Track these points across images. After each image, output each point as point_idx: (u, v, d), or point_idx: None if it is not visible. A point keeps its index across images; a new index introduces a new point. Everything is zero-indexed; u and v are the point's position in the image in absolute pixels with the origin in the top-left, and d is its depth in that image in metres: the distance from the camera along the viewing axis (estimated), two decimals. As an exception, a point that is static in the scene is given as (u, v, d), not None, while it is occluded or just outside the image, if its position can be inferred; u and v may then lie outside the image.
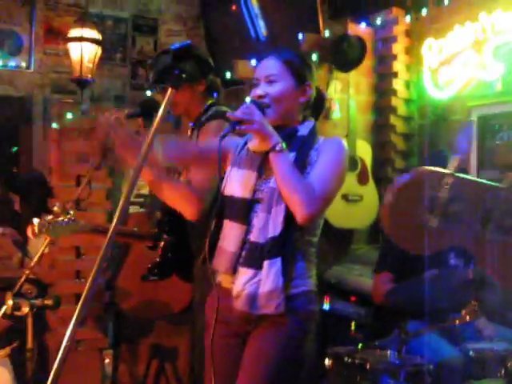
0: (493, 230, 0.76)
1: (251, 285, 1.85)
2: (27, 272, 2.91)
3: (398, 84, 4.64)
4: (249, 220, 1.90)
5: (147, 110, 2.61)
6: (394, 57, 4.63)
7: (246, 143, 2.05)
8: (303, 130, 1.97)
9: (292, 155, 1.88)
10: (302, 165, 1.88)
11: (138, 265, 3.90)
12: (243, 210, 1.91)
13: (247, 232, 1.90)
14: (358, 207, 4.45)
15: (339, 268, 4.37)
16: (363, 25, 4.62)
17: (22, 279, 2.89)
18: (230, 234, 1.92)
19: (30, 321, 2.86)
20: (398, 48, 4.63)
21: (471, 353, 2.64)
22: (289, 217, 1.81)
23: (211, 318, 1.98)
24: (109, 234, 1.48)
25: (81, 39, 3.89)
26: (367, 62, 4.57)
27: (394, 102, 4.63)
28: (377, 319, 3.69)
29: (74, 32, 3.96)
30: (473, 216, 0.78)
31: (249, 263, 1.87)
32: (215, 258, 1.95)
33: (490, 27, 3.97)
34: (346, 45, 4.30)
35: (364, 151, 4.46)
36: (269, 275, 1.81)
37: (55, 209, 2.81)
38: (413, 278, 2.92)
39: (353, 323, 4.00)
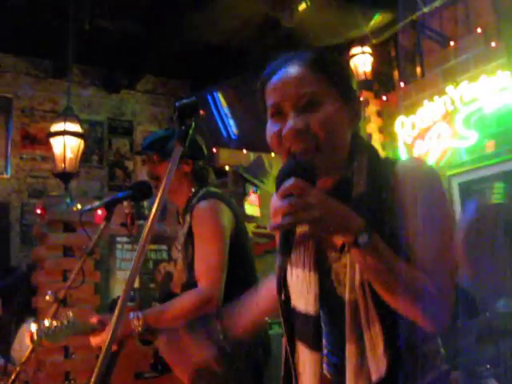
0: None
1: None
2: (18, 369, 2.70)
3: (375, 162, 4.75)
4: (321, 345, 1.26)
5: (139, 192, 2.56)
6: (369, 136, 4.79)
7: None
8: (358, 175, 1.22)
9: None
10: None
11: (131, 361, 3.67)
12: (310, 330, 1.27)
13: (322, 362, 1.27)
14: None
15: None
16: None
17: (13, 377, 2.67)
18: (305, 364, 1.30)
19: (20, 425, 2.61)
20: (372, 128, 4.81)
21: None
22: (393, 339, 1.14)
23: None
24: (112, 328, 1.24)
25: (64, 133, 3.89)
26: (343, 144, 4.69)
27: (374, 179, 4.71)
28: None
29: (57, 126, 3.97)
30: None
31: None
32: None
33: (458, 99, 4.17)
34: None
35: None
36: None
37: (47, 298, 2.65)
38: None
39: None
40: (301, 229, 1.07)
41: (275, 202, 1.09)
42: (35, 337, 2.37)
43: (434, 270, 1.12)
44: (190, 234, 2.39)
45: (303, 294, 1.26)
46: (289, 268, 1.29)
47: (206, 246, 2.22)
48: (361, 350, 1.16)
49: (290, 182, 1.03)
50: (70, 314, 2.52)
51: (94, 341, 2.21)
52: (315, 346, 1.25)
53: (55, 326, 2.45)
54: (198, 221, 2.34)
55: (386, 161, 1.27)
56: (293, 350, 1.31)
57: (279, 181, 1.07)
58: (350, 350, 1.17)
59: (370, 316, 1.14)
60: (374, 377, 1.13)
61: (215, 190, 2.48)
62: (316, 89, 1.19)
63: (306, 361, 1.28)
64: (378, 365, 1.14)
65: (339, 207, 1.07)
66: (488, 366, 2.78)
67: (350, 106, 1.24)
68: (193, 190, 2.48)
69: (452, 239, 1.20)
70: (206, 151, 2.56)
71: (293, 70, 1.21)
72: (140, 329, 2.16)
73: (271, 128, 1.22)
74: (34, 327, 2.48)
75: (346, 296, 1.17)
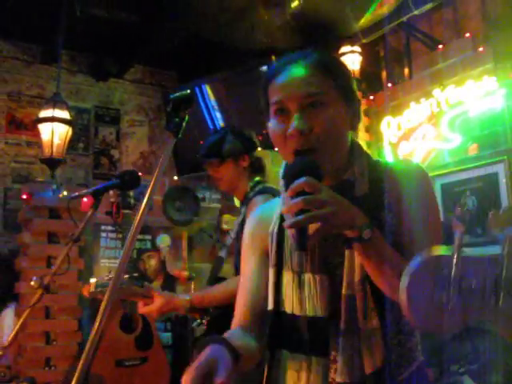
0: (504, 297, 0.77)
1: None
2: (0, 353, 2.70)
3: (360, 160, 4.81)
4: (329, 350, 1.23)
5: (126, 182, 2.58)
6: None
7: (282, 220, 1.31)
8: (360, 177, 1.27)
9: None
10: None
11: (112, 349, 3.70)
12: (319, 335, 1.23)
13: (328, 368, 1.23)
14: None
15: None
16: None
17: (-5, 361, 2.68)
18: (301, 375, 1.25)
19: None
20: (359, 126, 4.84)
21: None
22: (388, 335, 1.20)
23: None
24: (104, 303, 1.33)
25: (52, 119, 3.89)
26: (329, 141, 4.74)
27: (358, 177, 4.77)
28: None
29: (45, 112, 3.96)
30: (484, 288, 0.78)
31: None
32: None
33: (444, 101, 4.24)
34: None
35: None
36: None
37: (32, 283, 2.66)
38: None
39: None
40: (313, 226, 1.10)
41: (287, 200, 1.12)
42: (92, 289, 2.43)
43: None
44: (243, 224, 2.46)
45: (311, 297, 1.24)
46: (287, 273, 1.28)
47: None
48: (355, 344, 1.18)
49: (301, 180, 1.07)
50: (126, 276, 2.57)
51: (143, 309, 2.35)
52: (323, 350, 1.22)
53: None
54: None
55: (380, 163, 1.34)
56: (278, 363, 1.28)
57: (289, 179, 1.12)
58: (344, 342, 1.19)
59: (368, 312, 1.18)
60: (368, 370, 1.17)
61: (272, 186, 2.55)
62: (321, 89, 1.22)
63: (303, 369, 1.25)
64: (373, 358, 1.17)
65: (347, 204, 1.11)
66: (463, 363, 2.86)
67: (351, 107, 1.29)
68: (250, 184, 2.56)
69: (441, 233, 1.26)
70: (256, 141, 2.63)
71: (299, 69, 1.24)
72: (188, 307, 2.33)
73: (276, 127, 1.25)
74: (92, 280, 2.54)
75: (343, 291, 1.19)
